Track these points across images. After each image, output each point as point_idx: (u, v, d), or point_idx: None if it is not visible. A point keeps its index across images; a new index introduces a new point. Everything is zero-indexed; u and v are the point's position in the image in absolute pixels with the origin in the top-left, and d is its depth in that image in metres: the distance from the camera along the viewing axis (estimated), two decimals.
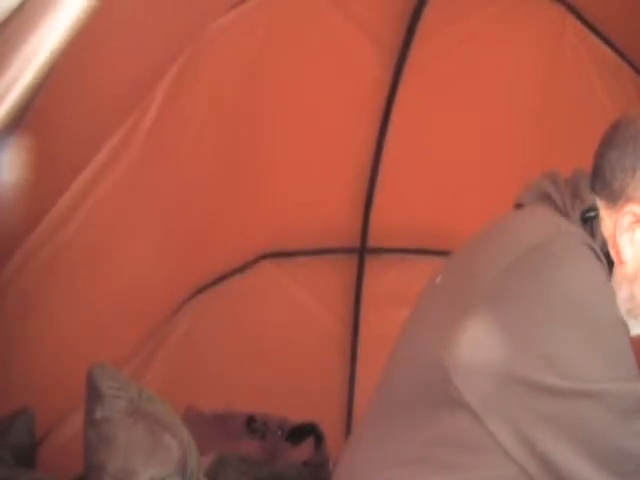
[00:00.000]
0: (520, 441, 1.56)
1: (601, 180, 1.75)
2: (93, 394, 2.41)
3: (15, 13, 1.40)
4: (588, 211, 1.74)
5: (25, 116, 2.12)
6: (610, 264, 1.72)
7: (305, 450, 3.51)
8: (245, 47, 3.05)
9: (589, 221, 1.74)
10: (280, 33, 3.12)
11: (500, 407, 1.57)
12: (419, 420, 1.66)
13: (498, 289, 1.61)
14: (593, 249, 1.66)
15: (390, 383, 1.80)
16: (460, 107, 3.53)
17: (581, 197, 1.75)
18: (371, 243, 4.00)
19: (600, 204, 1.75)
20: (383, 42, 3.42)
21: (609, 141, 1.76)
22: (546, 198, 1.77)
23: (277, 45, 3.15)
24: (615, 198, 1.73)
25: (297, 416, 3.59)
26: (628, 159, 1.71)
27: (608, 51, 3.37)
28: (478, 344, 1.57)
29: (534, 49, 3.44)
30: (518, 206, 1.84)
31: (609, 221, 1.73)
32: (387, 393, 1.80)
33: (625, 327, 1.67)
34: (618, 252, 1.72)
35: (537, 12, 3.35)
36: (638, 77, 3.38)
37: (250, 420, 3.56)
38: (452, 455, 1.62)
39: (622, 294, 1.72)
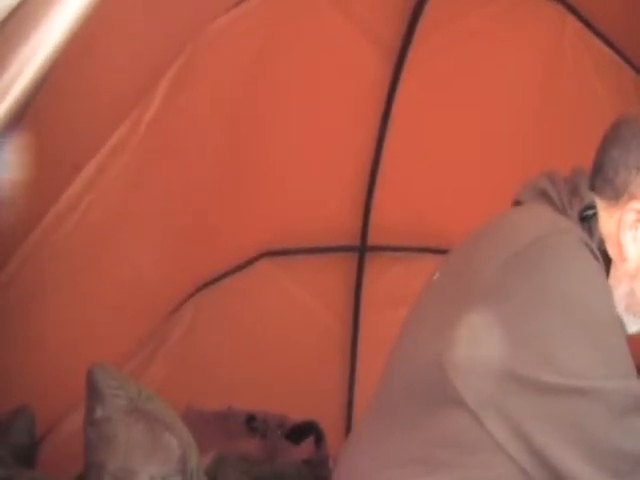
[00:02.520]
0: (517, 438, 1.55)
1: (603, 177, 1.74)
2: (93, 393, 2.42)
3: (15, 12, 1.40)
4: (586, 209, 1.74)
5: (25, 115, 2.12)
6: (607, 263, 1.72)
7: (305, 449, 3.51)
8: (245, 47, 3.05)
9: (587, 219, 1.74)
10: (280, 33, 3.12)
11: (497, 404, 1.57)
12: (418, 419, 1.66)
13: (495, 286, 1.60)
14: (590, 247, 1.65)
15: (389, 382, 1.80)
16: (460, 107, 3.53)
17: (580, 195, 1.75)
18: (371, 242, 4.00)
19: (600, 202, 1.74)
20: (383, 42, 3.41)
21: (611, 138, 1.75)
22: (544, 196, 1.77)
23: (277, 45, 3.15)
24: (617, 195, 1.72)
25: (297, 415, 3.59)
26: (632, 157, 1.71)
27: (608, 51, 3.37)
28: (476, 342, 1.57)
29: (534, 49, 3.44)
30: (516, 203, 1.84)
31: (610, 219, 1.73)
32: (386, 392, 1.80)
33: (621, 325, 1.67)
34: (620, 249, 1.71)
35: (537, 12, 3.34)
36: (638, 76, 3.38)
37: (250, 419, 3.56)
38: (451, 455, 1.62)
39: (621, 291, 1.72)
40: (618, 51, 3.36)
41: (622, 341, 1.62)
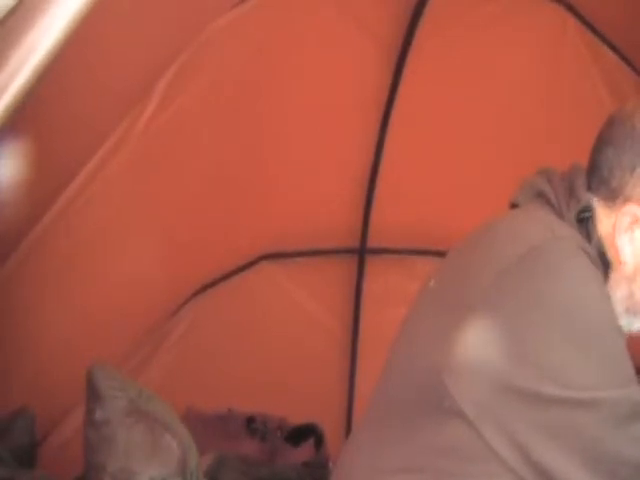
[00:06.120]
0: (515, 449, 1.53)
1: (598, 177, 1.71)
2: (93, 394, 2.42)
3: (13, 10, 1.40)
4: (583, 211, 1.70)
5: (22, 114, 2.12)
6: (606, 264, 1.70)
7: (305, 451, 3.51)
8: (245, 47, 3.05)
9: (584, 221, 1.71)
10: (280, 33, 3.12)
11: (495, 415, 1.55)
12: (416, 427, 1.64)
13: (492, 297, 1.58)
14: (587, 252, 1.63)
15: (386, 388, 1.77)
16: (460, 107, 3.53)
17: (577, 196, 1.71)
18: (371, 243, 4.00)
19: (597, 202, 1.71)
20: (383, 42, 3.41)
21: (605, 138, 1.72)
22: (541, 198, 1.74)
23: (277, 45, 3.15)
24: (613, 196, 1.69)
25: (297, 416, 3.59)
26: (626, 157, 1.68)
27: (608, 51, 3.37)
28: (472, 352, 1.55)
29: (534, 49, 3.44)
30: (513, 206, 1.82)
31: (607, 220, 1.70)
32: (384, 398, 1.77)
33: (620, 332, 1.64)
34: (617, 252, 1.69)
35: (537, 12, 3.34)
36: (638, 76, 3.38)
37: (250, 420, 3.56)
38: (450, 463, 1.60)
39: (620, 293, 1.70)
40: (618, 51, 3.36)
41: (621, 348, 1.59)
